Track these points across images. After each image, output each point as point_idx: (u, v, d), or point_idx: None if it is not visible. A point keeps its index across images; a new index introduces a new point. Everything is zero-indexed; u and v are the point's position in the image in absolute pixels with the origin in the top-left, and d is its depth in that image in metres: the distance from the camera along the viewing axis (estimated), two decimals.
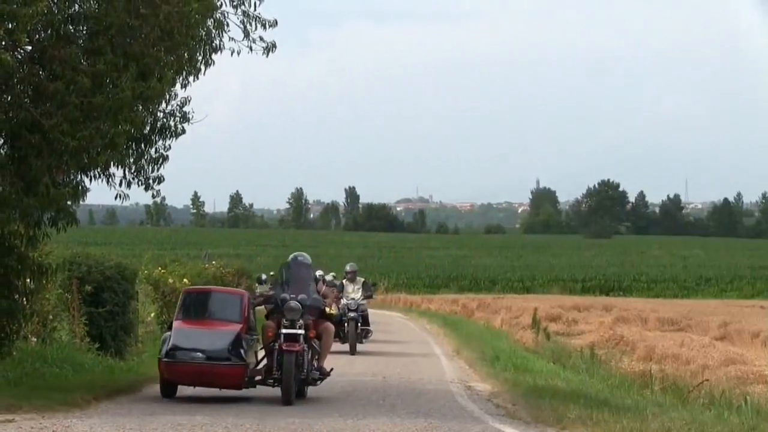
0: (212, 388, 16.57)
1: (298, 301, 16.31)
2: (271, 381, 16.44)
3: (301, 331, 16.15)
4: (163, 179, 16.11)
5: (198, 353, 16.06)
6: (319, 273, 17.05)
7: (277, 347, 16.11)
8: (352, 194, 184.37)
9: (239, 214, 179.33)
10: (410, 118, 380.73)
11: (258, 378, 16.63)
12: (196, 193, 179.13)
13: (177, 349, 16.18)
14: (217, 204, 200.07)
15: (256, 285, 22.99)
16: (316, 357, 16.78)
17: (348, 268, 29.32)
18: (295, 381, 15.91)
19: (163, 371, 16.35)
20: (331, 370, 17.03)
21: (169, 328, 17.10)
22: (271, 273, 20.88)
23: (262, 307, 17.72)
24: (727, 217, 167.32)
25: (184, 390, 16.79)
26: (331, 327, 17.25)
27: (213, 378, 16.19)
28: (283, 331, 16.11)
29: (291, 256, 17.61)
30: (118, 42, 14.35)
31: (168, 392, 16.65)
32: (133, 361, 22.09)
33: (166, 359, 16.20)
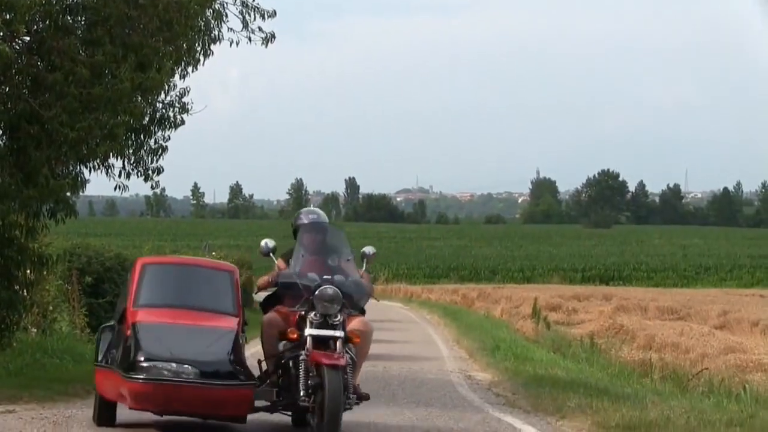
0: (205, 418, 11.12)
1: (336, 286, 10.62)
2: (285, 408, 10.99)
3: (341, 333, 10.47)
4: (163, 170, 16.12)
5: (186, 366, 10.37)
6: (369, 250, 11.32)
7: (304, 358, 10.37)
8: (352, 185, 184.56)
9: (239, 204, 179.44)
10: (410, 109, 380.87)
11: (263, 404, 10.97)
12: (196, 184, 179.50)
13: (150, 360, 10.39)
14: (217, 195, 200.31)
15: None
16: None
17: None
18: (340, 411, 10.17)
19: (126, 393, 10.54)
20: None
21: (119, 321, 11.33)
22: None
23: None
24: (726, 207, 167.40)
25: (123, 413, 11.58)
26: (371, 326, 11.15)
27: (210, 405, 10.55)
28: (312, 332, 10.42)
29: (301, 214, 11.71)
30: (116, 33, 14.34)
31: (106, 418, 11.39)
32: None
33: (133, 376, 10.37)
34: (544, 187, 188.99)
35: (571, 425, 12.87)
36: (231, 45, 16.51)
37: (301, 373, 10.40)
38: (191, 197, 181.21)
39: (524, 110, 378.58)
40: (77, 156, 14.65)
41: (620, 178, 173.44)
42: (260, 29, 16.35)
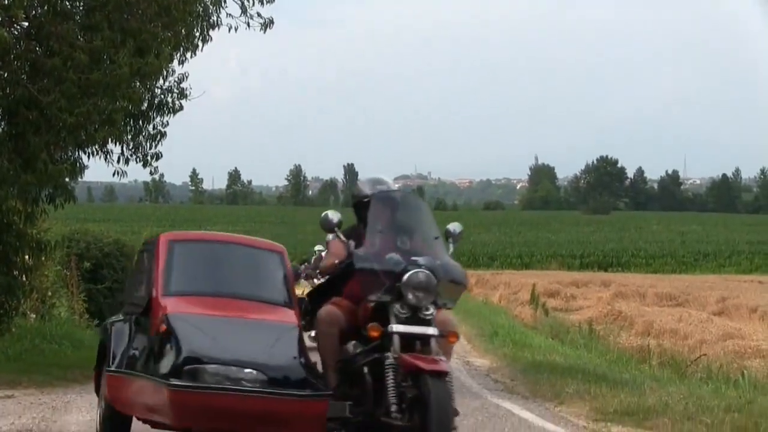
0: None
1: (429, 270, 8.13)
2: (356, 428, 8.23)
3: (435, 331, 8.06)
4: (161, 156, 16.14)
5: (248, 371, 7.99)
6: (455, 228, 8.83)
7: (392, 362, 7.87)
8: (350, 171, 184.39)
9: (238, 191, 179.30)
10: (409, 95, 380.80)
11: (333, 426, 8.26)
12: (194, 170, 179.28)
13: (200, 362, 7.96)
14: (215, 181, 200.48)
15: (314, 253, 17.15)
16: None
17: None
18: None
19: (164, 407, 7.98)
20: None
21: (143, 314, 8.87)
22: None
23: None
24: (725, 193, 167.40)
25: None
26: (455, 320, 8.61)
27: (278, 422, 8.08)
28: (400, 328, 7.99)
29: (364, 184, 9.20)
30: (115, 18, 14.33)
31: None
32: None
33: (177, 383, 7.84)
34: (542, 174, 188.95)
35: (569, 411, 12.88)
36: (230, 31, 16.56)
37: (391, 382, 7.83)
38: (190, 183, 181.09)
39: (523, 97, 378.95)
40: (76, 141, 14.65)
41: (619, 165, 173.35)
42: (259, 15, 16.41)
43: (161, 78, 15.98)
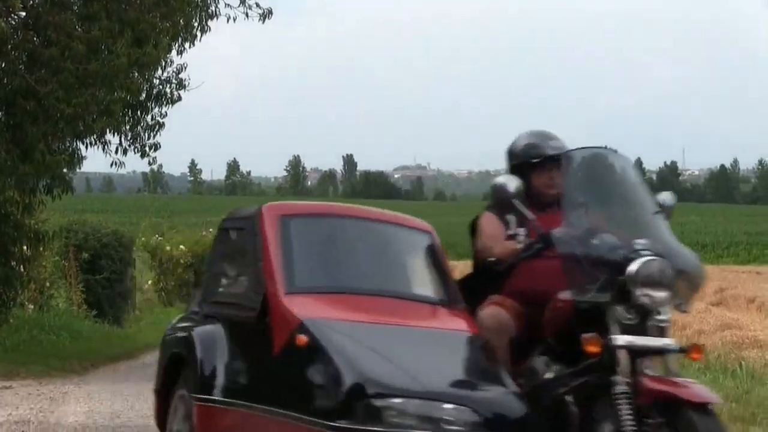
0: None
1: (660, 255, 5.64)
2: None
3: (675, 344, 5.60)
4: (160, 146, 16.13)
5: (450, 407, 5.34)
6: (669, 199, 6.68)
7: (625, 389, 5.37)
8: (349, 161, 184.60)
9: (236, 181, 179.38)
10: (408, 85, 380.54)
11: None
12: (193, 161, 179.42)
13: (379, 395, 5.31)
14: (214, 172, 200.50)
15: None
16: None
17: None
18: None
19: None
20: None
21: (259, 318, 6.11)
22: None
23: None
24: (723, 184, 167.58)
25: None
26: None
27: None
28: (628, 340, 5.49)
29: (529, 136, 6.60)
30: (113, 8, 14.30)
31: None
32: (130, 328, 22.19)
33: (347, 427, 5.29)
34: None
35: None
36: (228, 21, 16.53)
37: (627, 416, 5.36)
38: (188, 174, 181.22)
39: (521, 87, 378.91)
40: (74, 132, 14.64)
41: None
42: (257, 5, 16.37)
43: (159, 68, 15.97)
